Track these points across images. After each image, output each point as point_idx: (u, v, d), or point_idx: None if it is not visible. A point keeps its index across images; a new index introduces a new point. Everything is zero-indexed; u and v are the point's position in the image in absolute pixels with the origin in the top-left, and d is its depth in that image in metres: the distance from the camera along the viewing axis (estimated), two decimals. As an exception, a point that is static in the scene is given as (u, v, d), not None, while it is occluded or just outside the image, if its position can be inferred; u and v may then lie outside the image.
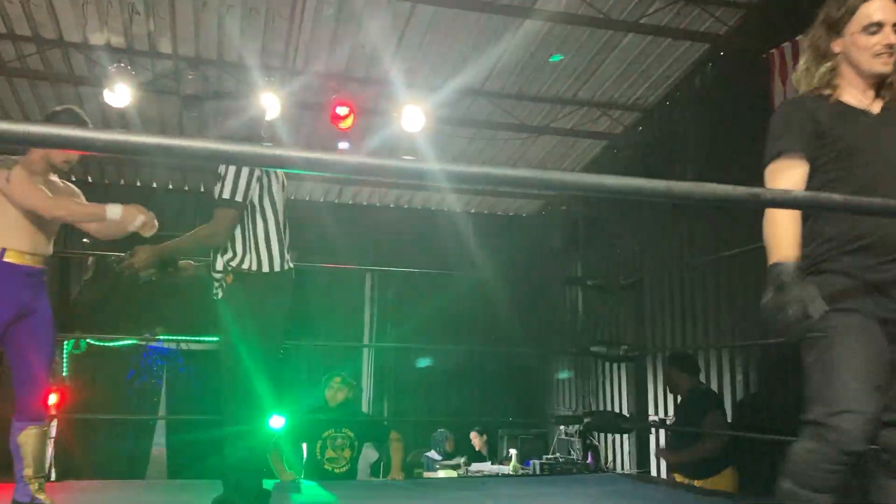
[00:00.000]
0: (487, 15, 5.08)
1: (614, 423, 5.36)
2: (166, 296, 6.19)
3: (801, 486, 1.85)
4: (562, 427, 6.68)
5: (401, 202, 8.32)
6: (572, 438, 6.41)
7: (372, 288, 8.19)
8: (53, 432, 5.40)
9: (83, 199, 3.11)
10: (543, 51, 5.55)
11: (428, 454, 6.85)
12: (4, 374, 3.03)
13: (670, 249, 5.99)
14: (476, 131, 6.64)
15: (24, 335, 2.89)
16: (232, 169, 2.65)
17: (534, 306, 8.01)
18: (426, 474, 6.36)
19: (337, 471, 4.83)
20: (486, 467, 6.32)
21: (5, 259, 2.84)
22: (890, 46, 1.98)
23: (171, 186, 7.63)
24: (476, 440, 7.18)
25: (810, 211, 1.97)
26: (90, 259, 6.76)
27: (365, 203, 8.27)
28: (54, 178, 3.06)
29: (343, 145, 5.97)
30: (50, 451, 5.45)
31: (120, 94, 5.24)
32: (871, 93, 2.05)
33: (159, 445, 7.19)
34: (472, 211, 8.38)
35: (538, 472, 5.55)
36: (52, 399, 4.97)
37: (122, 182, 7.55)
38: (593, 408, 6.66)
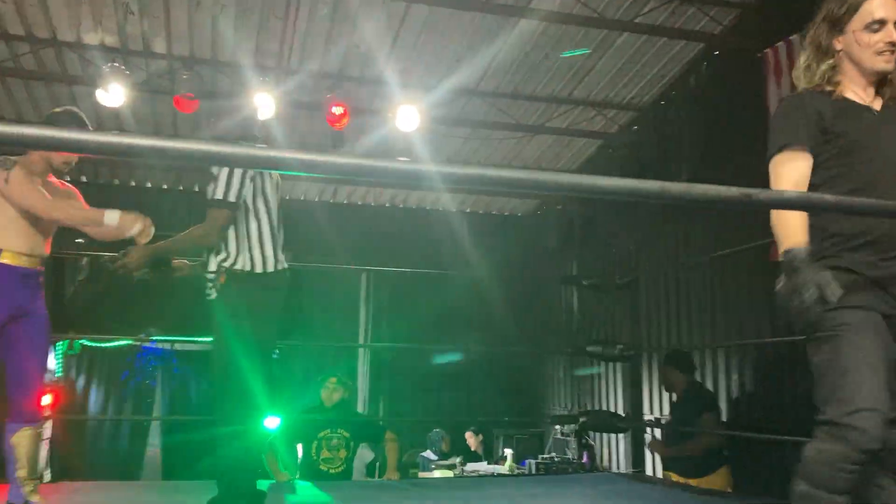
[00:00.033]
0: (482, 14, 5.08)
1: (610, 423, 5.36)
2: (160, 296, 6.17)
3: (817, 488, 1.82)
4: (557, 427, 6.68)
5: (396, 202, 8.32)
6: (568, 438, 6.41)
7: (367, 288, 8.19)
8: (49, 433, 5.39)
9: (81, 199, 3.10)
10: (538, 50, 5.55)
11: (423, 454, 6.85)
12: (-1, 375, 3.02)
13: (665, 249, 6.00)
14: (471, 131, 6.64)
15: (19, 336, 2.88)
16: (225, 169, 2.64)
17: (529, 306, 8.02)
18: (422, 474, 6.35)
19: (332, 471, 4.82)
20: (482, 467, 6.32)
21: (1, 260, 2.83)
22: (892, 44, 1.98)
23: (164, 186, 7.62)
24: (472, 440, 7.18)
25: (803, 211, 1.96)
26: (84, 259, 6.74)
27: (360, 203, 8.27)
28: (53, 178, 3.05)
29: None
30: (45, 451, 5.44)
31: (114, 93, 5.23)
32: (872, 90, 2.05)
33: (154, 446, 7.18)
34: (467, 210, 8.39)
35: (534, 471, 5.55)
36: (47, 400, 4.97)
37: (117, 182, 7.54)
38: (588, 407, 6.67)
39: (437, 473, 6.19)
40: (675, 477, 4.71)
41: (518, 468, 6.06)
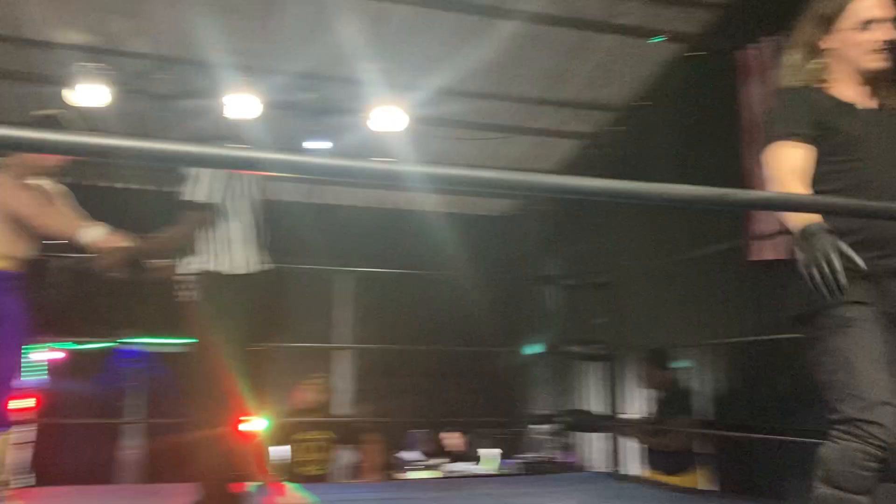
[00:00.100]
0: (463, 15, 5.08)
1: (589, 422, 5.39)
2: (135, 297, 6.11)
3: (840, 489, 1.77)
4: (538, 426, 6.70)
5: (376, 202, 8.29)
6: (549, 437, 6.43)
7: (349, 288, 8.17)
8: (33, 437, 5.32)
9: (72, 201, 3.07)
10: (519, 51, 5.56)
11: (406, 455, 6.83)
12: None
13: (645, 248, 6.03)
14: (452, 131, 6.64)
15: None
16: (198, 170, 2.62)
17: (509, 305, 8.03)
18: (404, 475, 6.34)
19: (314, 473, 4.81)
20: (465, 467, 6.32)
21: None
22: (883, 43, 1.99)
23: (146, 187, 7.52)
24: (454, 440, 7.18)
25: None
26: (57, 261, 6.65)
27: (340, 203, 8.23)
28: (44, 181, 3.01)
29: (320, 144, 5.92)
30: (23, 456, 5.36)
31: (90, 93, 5.17)
32: (862, 89, 2.06)
33: (132, 449, 7.10)
34: (448, 211, 8.37)
35: (516, 471, 5.56)
36: (30, 403, 4.89)
37: (101, 184, 7.42)
38: (568, 407, 6.69)
39: (420, 474, 6.19)
40: (653, 475, 4.75)
41: (501, 468, 6.07)
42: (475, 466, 6.38)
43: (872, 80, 2.05)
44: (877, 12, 1.99)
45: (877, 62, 2.01)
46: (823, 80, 2.04)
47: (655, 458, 4.83)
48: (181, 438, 3.04)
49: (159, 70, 5.29)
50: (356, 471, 5.76)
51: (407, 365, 8.04)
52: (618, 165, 6.25)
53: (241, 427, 2.90)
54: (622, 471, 4.92)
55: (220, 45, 5.23)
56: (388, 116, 5.68)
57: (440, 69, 5.56)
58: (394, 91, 5.66)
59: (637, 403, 5.72)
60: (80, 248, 2.92)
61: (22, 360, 3.08)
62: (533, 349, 6.78)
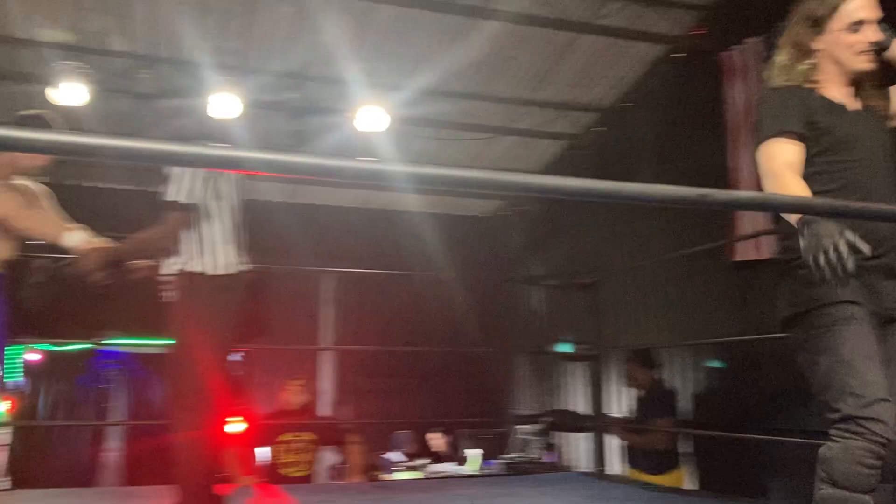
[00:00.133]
0: (447, 15, 5.08)
1: (574, 422, 5.40)
2: (116, 299, 6.05)
3: (843, 488, 1.76)
4: (522, 426, 6.70)
5: (360, 203, 8.27)
6: (533, 438, 6.44)
7: (331, 290, 8.14)
8: (8, 439, 5.26)
9: (54, 201, 3.04)
10: (502, 51, 5.57)
11: (388, 456, 6.82)
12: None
13: (629, 248, 6.05)
14: (436, 131, 6.64)
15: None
16: (178, 169, 2.60)
17: (493, 306, 8.04)
18: (387, 476, 6.33)
19: (296, 474, 4.79)
20: (448, 468, 6.32)
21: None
22: (872, 44, 2.00)
23: (129, 188, 7.45)
24: (437, 441, 7.17)
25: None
26: (37, 262, 6.57)
27: (324, 204, 8.20)
28: (25, 180, 2.97)
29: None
30: (4, 458, 5.30)
31: (71, 92, 5.12)
32: (850, 90, 2.07)
33: (113, 451, 7.04)
34: (432, 211, 8.36)
35: (500, 472, 5.56)
36: (6, 406, 4.84)
37: (83, 184, 7.34)
38: (553, 407, 6.71)
39: (403, 475, 6.18)
40: (635, 474, 4.78)
41: (484, 468, 6.07)
42: (459, 467, 6.37)
43: (859, 82, 2.07)
44: (865, 14, 2.02)
45: (865, 63, 2.03)
46: (814, 81, 2.06)
47: (639, 457, 4.85)
48: (162, 440, 3.01)
49: (142, 69, 5.23)
50: (340, 472, 5.75)
51: (391, 366, 8.04)
52: (601, 166, 6.28)
53: (224, 429, 2.87)
54: (606, 470, 4.93)
55: (203, 44, 5.21)
56: (371, 116, 5.67)
57: (424, 69, 5.56)
58: (377, 91, 5.65)
59: (621, 403, 5.75)
60: (61, 250, 2.89)
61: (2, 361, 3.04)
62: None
